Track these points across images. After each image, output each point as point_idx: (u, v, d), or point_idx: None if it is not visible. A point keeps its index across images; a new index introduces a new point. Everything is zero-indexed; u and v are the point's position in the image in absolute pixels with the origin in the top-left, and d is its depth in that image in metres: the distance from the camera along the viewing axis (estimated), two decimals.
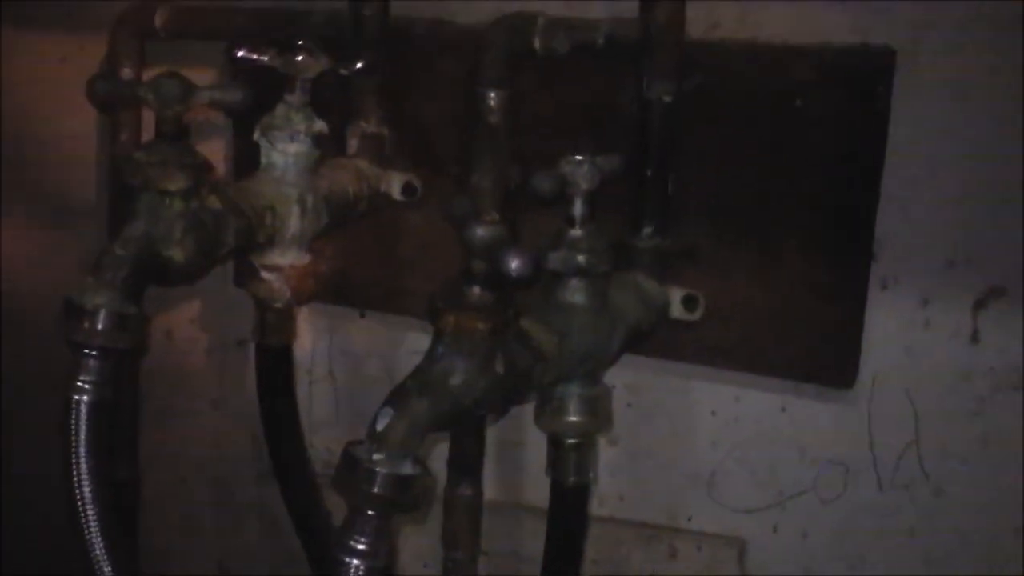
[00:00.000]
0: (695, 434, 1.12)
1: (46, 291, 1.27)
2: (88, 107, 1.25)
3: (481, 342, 0.80)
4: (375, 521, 0.77)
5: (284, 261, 1.07)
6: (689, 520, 1.14)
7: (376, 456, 0.77)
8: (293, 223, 1.05)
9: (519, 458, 1.18)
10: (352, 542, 0.77)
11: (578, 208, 0.91)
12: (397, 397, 0.79)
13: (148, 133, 1.16)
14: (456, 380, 0.80)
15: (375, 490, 0.76)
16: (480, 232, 0.78)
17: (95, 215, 1.33)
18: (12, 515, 1.33)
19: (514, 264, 0.77)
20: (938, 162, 1.01)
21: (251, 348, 1.24)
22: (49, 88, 1.36)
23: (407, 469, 0.77)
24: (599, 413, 0.95)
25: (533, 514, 1.15)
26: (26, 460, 1.28)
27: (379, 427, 0.77)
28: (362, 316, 1.25)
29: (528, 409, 1.03)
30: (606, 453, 1.15)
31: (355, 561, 0.77)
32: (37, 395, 1.24)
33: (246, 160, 1.15)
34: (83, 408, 0.90)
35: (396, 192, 1.15)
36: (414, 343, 1.20)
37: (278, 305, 1.10)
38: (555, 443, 0.97)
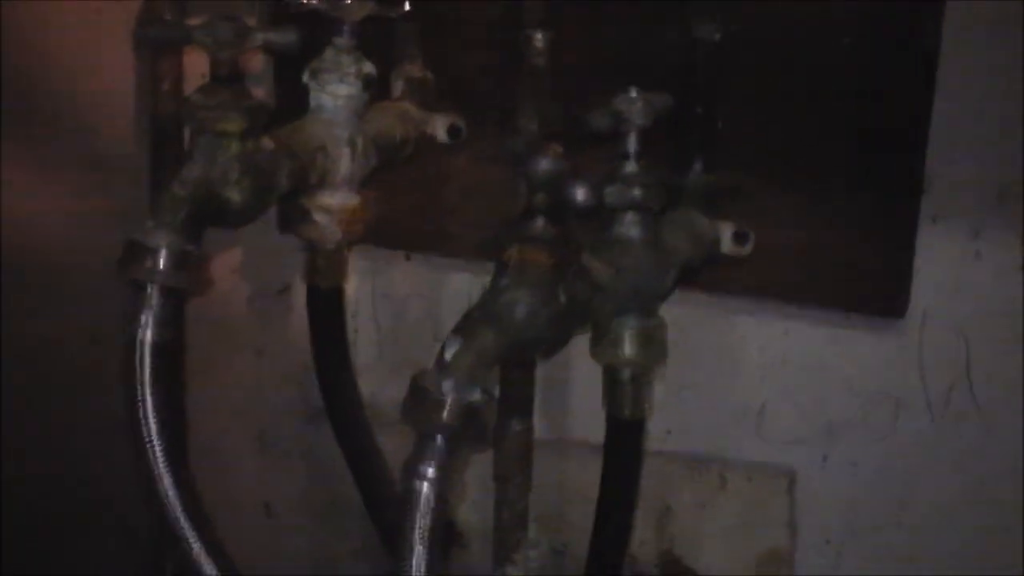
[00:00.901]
0: (742, 369, 1.13)
1: (85, 247, 1.28)
2: (125, 58, 1.25)
3: (544, 275, 0.81)
4: (444, 449, 0.78)
5: (335, 202, 1.08)
6: (739, 452, 1.15)
7: (445, 384, 0.78)
8: (344, 164, 1.06)
9: (565, 394, 1.20)
10: (422, 468, 0.78)
11: (632, 144, 0.92)
12: (464, 327, 0.80)
13: (190, 83, 1.17)
14: (521, 311, 0.81)
15: (444, 417, 0.78)
16: (544, 164, 0.79)
17: (133, 170, 1.33)
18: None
19: (580, 194, 0.78)
20: (987, 95, 1.01)
21: (293, 296, 1.26)
22: (85, 39, 1.35)
23: (475, 397, 0.79)
24: (655, 346, 0.96)
25: (580, 450, 1.17)
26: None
27: (447, 356, 0.79)
28: (407, 258, 1.25)
29: (574, 345, 1.04)
30: (655, 388, 1.16)
31: (425, 487, 0.78)
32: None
33: (288, 105, 1.15)
34: (146, 346, 0.92)
35: (441, 134, 1.15)
36: (458, 285, 1.22)
37: (329, 247, 1.11)
38: (611, 376, 0.98)
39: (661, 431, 1.17)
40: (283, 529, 1.39)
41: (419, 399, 0.79)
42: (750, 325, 1.12)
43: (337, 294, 1.15)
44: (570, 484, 1.20)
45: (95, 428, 1.19)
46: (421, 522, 0.79)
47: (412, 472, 0.79)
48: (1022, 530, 1.07)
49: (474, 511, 1.24)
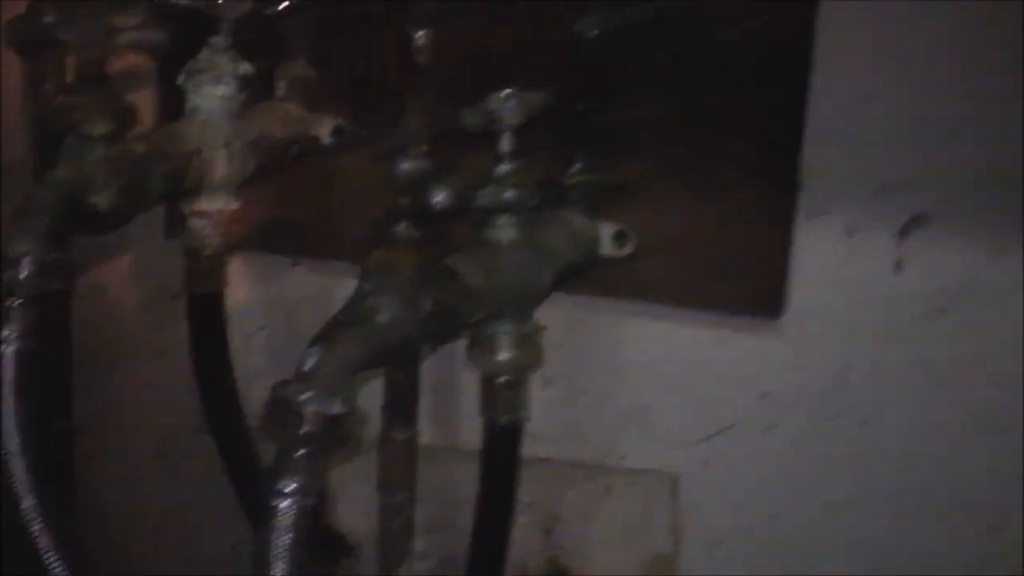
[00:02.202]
0: (628, 371, 1.13)
1: None
2: (13, 59, 1.23)
3: (408, 278, 0.80)
4: (306, 461, 0.76)
5: (212, 207, 1.06)
6: (623, 458, 1.15)
7: (305, 395, 0.76)
8: (220, 167, 1.04)
9: (453, 401, 1.19)
10: (283, 483, 0.76)
11: (505, 143, 0.91)
12: (325, 335, 0.78)
13: None
14: (384, 317, 0.79)
15: (306, 430, 0.76)
16: (405, 166, 0.79)
17: (25, 170, 1.31)
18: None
19: (439, 196, 0.77)
20: (862, 94, 1.02)
21: None
22: None
23: (337, 408, 0.77)
24: (530, 350, 0.96)
25: (469, 458, 1.16)
26: None
27: (307, 366, 0.77)
28: (295, 264, 1.24)
29: (461, 353, 1.04)
30: (541, 394, 1.15)
31: (287, 502, 0.76)
32: None
33: (172, 107, 1.13)
34: (9, 358, 0.89)
35: (326, 136, 1.14)
36: (348, 290, 1.19)
37: (208, 252, 1.09)
38: (487, 382, 0.97)
39: (548, 437, 1.16)
40: (182, 536, 1.37)
41: (278, 411, 0.77)
42: (635, 327, 1.12)
43: (217, 300, 1.13)
44: (459, 492, 1.19)
45: None
46: (281, 539, 0.76)
47: (272, 488, 0.77)
48: (904, 522, 1.09)
49: (365, 522, 1.22)
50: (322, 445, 0.76)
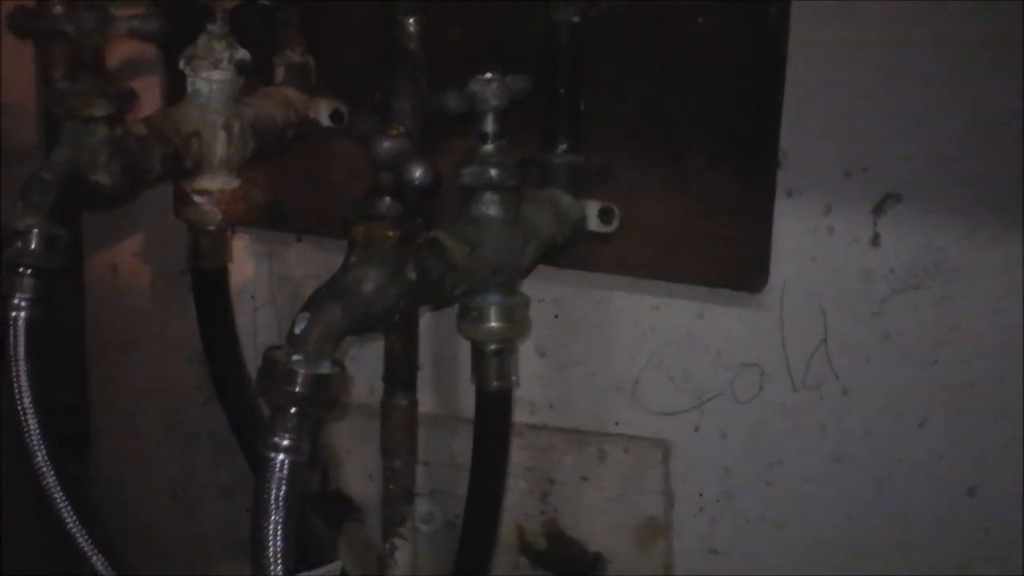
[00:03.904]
0: (619, 343, 1.16)
1: None
2: (26, 49, 1.27)
3: (391, 250, 0.84)
4: (297, 419, 0.81)
5: (213, 185, 1.11)
6: (616, 425, 1.18)
7: (295, 358, 0.80)
8: (220, 148, 1.08)
9: (454, 372, 1.23)
10: (276, 439, 0.81)
11: (489, 125, 0.95)
12: (313, 303, 0.82)
13: None
14: (368, 287, 0.83)
15: (296, 389, 0.80)
16: (386, 144, 0.82)
17: (39, 155, 1.35)
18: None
19: (418, 173, 0.80)
20: (835, 76, 1.05)
21: None
22: None
23: (325, 369, 0.81)
24: (516, 320, 1.00)
25: (469, 425, 1.20)
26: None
27: (297, 331, 0.81)
28: (299, 240, 1.28)
29: None
30: (536, 364, 1.19)
31: (280, 456, 0.81)
32: None
33: (177, 91, 1.17)
34: (20, 324, 0.94)
35: (324, 119, 1.18)
36: None
37: (211, 228, 1.13)
38: (477, 351, 1.01)
39: (544, 405, 1.21)
40: (191, 508, 1.41)
41: (271, 373, 0.81)
42: (624, 301, 1.15)
43: (222, 275, 1.18)
44: (459, 458, 1.23)
45: None
46: (277, 490, 0.81)
47: (267, 443, 0.81)
48: (881, 487, 1.12)
49: (370, 485, 1.27)
50: (311, 404, 0.81)
